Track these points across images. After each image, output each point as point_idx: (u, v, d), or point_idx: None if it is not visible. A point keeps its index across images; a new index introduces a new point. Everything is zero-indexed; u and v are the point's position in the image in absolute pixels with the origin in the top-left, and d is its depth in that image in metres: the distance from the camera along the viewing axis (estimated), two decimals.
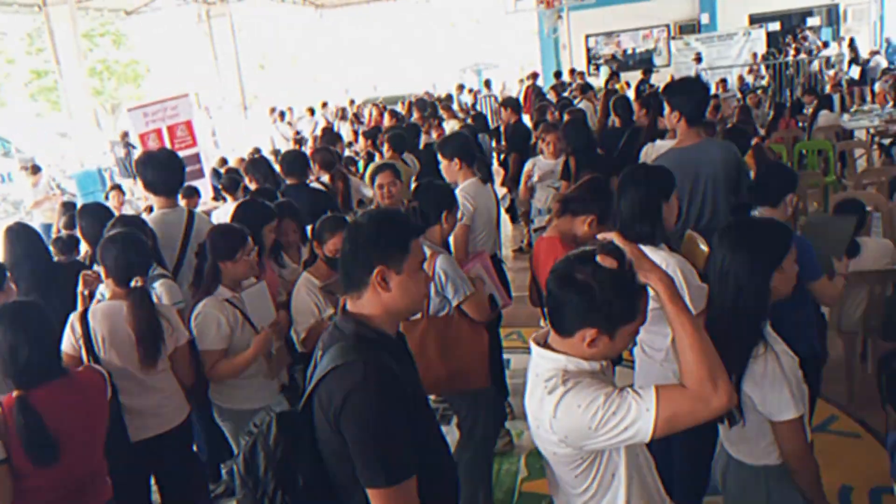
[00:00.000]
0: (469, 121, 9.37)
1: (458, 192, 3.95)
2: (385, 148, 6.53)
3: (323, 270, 3.45)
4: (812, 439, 3.32)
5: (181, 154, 7.55)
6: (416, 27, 26.49)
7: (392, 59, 27.47)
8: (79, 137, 13.13)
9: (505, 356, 4.60)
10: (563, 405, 1.70)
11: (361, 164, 7.88)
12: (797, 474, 2.18)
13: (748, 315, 2.11)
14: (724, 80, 15.04)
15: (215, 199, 7.98)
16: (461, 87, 16.10)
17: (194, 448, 3.63)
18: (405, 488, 1.75)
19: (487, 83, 15.59)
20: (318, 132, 9.52)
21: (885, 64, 15.05)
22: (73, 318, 3.07)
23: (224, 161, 9.18)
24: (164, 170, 4.01)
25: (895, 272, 4.23)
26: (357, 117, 13.24)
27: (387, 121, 9.56)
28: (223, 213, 5.12)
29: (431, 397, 4.32)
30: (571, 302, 1.73)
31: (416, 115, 9.64)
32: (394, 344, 1.92)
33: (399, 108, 12.82)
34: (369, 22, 24.18)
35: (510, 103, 8.78)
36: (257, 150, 9.95)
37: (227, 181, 6.24)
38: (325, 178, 5.75)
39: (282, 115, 14.02)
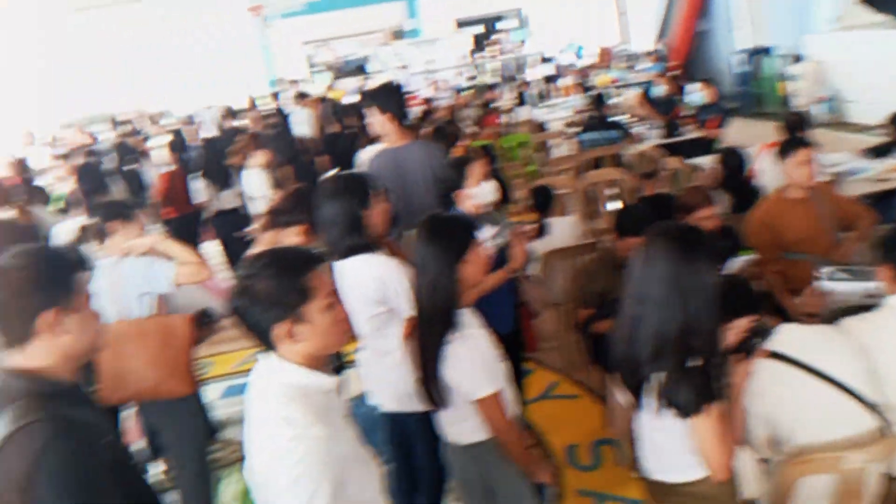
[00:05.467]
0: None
1: None
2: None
3: None
4: (535, 406, 3.64)
5: None
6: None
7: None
8: None
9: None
10: (284, 449, 1.62)
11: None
12: (504, 446, 2.32)
13: (442, 303, 2.21)
14: (436, 83, 15.89)
15: None
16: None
17: None
18: None
19: None
20: None
21: (570, 61, 16.93)
22: None
23: None
24: None
25: (587, 245, 4.75)
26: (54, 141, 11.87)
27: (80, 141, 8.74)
28: None
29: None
30: (247, 308, 1.68)
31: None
32: (75, 393, 1.72)
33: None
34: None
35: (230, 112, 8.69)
36: None
37: None
38: (13, 213, 5.07)
39: None
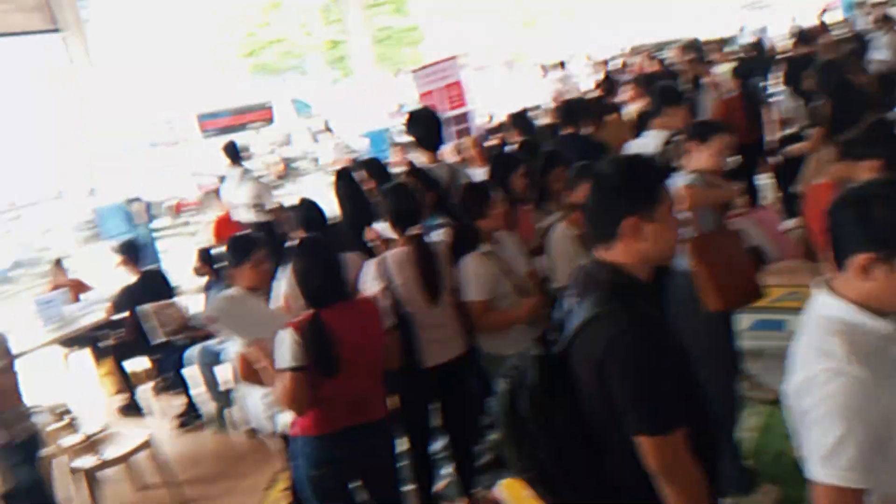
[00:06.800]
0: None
1: None
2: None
3: (579, 219, 3.53)
4: None
5: (453, 113, 8.00)
6: None
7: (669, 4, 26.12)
8: (368, 100, 14.22)
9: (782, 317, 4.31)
10: (816, 381, 1.57)
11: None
12: None
13: None
14: None
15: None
16: (742, 29, 14.75)
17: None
18: (673, 440, 1.73)
19: None
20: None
21: None
22: (373, 261, 3.53)
23: (491, 118, 9.50)
24: (426, 127, 4.40)
25: None
26: (624, 67, 12.79)
27: (649, 67, 9.16)
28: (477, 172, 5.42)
29: None
30: (845, 221, 1.58)
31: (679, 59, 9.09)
32: (647, 291, 1.89)
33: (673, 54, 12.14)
34: None
35: (801, 36, 8.12)
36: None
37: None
38: (590, 129, 5.75)
39: (562, 65, 13.92)
